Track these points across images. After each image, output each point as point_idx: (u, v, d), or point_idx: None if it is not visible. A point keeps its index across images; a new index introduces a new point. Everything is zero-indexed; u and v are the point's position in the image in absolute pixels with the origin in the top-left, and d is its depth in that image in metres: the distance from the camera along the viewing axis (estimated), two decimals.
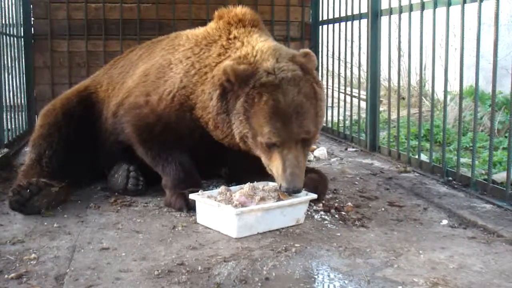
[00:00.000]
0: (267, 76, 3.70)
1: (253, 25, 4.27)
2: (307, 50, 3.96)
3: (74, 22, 7.79)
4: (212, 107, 3.93)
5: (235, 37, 4.16)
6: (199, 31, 4.46)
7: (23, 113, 7.29)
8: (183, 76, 4.16)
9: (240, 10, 4.33)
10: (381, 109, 7.59)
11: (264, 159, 3.82)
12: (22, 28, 7.39)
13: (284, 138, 3.65)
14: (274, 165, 3.72)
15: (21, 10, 7.38)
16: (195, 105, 4.09)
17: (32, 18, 7.70)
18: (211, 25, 4.40)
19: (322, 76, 7.97)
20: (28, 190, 3.93)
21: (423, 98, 7.32)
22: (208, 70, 4.08)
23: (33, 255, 3.21)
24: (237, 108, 3.77)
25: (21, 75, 7.28)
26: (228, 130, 3.92)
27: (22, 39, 7.40)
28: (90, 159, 4.70)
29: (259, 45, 3.96)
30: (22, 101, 7.31)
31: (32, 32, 7.69)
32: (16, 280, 2.89)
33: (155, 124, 4.21)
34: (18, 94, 7.08)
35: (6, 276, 2.93)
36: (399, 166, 5.64)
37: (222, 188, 3.88)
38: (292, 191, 3.65)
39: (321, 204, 4.16)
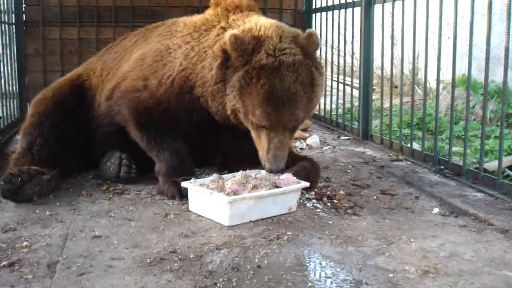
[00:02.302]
0: (267, 57, 3.70)
1: (251, 10, 4.29)
2: (311, 31, 3.94)
3: (66, 9, 7.74)
4: (211, 76, 3.93)
5: (234, 20, 4.17)
6: (197, 18, 4.47)
7: (15, 100, 7.26)
8: (183, 60, 4.17)
9: None
10: (373, 97, 7.58)
11: (253, 135, 3.90)
12: (13, 15, 7.33)
13: (273, 123, 3.72)
14: (261, 145, 3.82)
15: None
16: (194, 84, 4.10)
17: (24, 5, 7.65)
18: (209, 11, 4.41)
19: None
20: (20, 178, 3.92)
21: (415, 86, 7.33)
22: (208, 48, 4.09)
23: (25, 243, 3.21)
24: (233, 82, 3.79)
25: (13, 62, 7.23)
26: (221, 99, 3.92)
27: (14, 26, 7.34)
28: (82, 147, 4.68)
29: (261, 21, 3.97)
30: (14, 89, 7.27)
31: (24, 19, 7.64)
32: (8, 268, 2.89)
33: (154, 108, 4.20)
34: (10, 82, 7.04)
35: None
36: (391, 154, 5.65)
37: (215, 176, 3.88)
38: (275, 171, 3.75)
39: (313, 192, 4.17)
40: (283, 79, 3.68)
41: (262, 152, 3.82)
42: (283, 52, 3.74)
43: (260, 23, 3.93)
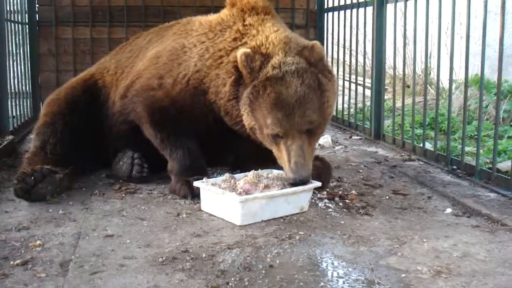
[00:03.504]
0: (273, 70, 3.75)
1: (266, 13, 4.30)
2: (313, 42, 3.97)
3: (79, 9, 7.77)
4: (224, 92, 3.97)
5: (250, 24, 4.18)
6: (213, 17, 4.48)
7: (28, 100, 7.30)
8: (198, 60, 4.18)
9: None
10: (386, 97, 7.57)
11: (274, 152, 3.87)
12: (26, 15, 7.37)
13: (287, 128, 3.69)
14: (281, 157, 3.77)
15: None
16: (208, 89, 4.11)
17: (37, 5, 7.68)
18: (225, 12, 4.42)
19: None
20: (33, 177, 3.94)
21: (428, 86, 7.30)
22: (224, 53, 4.10)
23: (38, 242, 3.23)
24: (244, 99, 3.83)
25: (26, 62, 7.28)
26: (237, 118, 3.97)
27: (27, 25, 7.39)
28: (95, 146, 4.71)
29: (272, 36, 3.99)
30: (27, 88, 7.31)
31: (37, 18, 7.68)
32: (21, 266, 2.91)
33: (169, 107, 4.22)
34: (23, 81, 7.08)
35: (11, 262, 2.95)
36: (403, 154, 5.64)
37: (227, 175, 3.88)
38: (299, 181, 3.67)
39: (325, 192, 4.16)
40: (289, 85, 3.71)
41: (284, 164, 3.76)
42: (287, 64, 3.78)
43: (270, 38, 3.96)
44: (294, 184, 3.69)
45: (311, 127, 3.77)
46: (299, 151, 3.69)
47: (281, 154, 3.77)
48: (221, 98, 4.02)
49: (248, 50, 3.84)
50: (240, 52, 3.83)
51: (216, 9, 4.63)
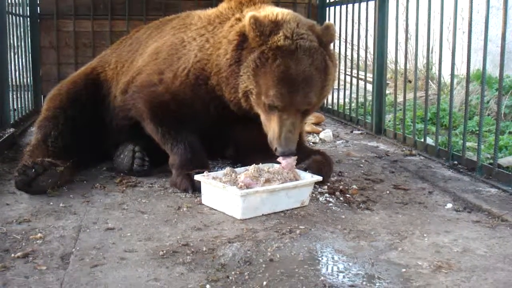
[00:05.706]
0: (285, 40, 3.74)
1: (264, 3, 4.33)
2: (329, 23, 4.03)
3: (80, 2, 7.75)
4: (226, 60, 3.96)
5: (248, 12, 4.18)
6: (211, 11, 4.50)
7: (29, 93, 7.29)
8: (198, 51, 4.20)
9: None
10: (387, 92, 7.56)
11: (263, 118, 3.91)
12: (28, 8, 7.36)
13: (287, 104, 3.73)
14: (271, 127, 3.82)
15: None
16: (210, 74, 4.12)
17: None
18: (223, 5, 4.45)
19: None
20: (33, 170, 3.94)
21: (429, 81, 7.29)
22: (223, 38, 4.11)
23: (39, 235, 3.23)
24: (248, 62, 3.82)
25: (27, 54, 7.27)
26: (234, 80, 3.93)
27: (28, 18, 7.38)
28: (96, 139, 4.71)
29: (277, 10, 4.01)
30: (28, 81, 7.31)
31: (38, 11, 7.66)
32: (22, 259, 2.91)
33: (169, 101, 4.23)
34: (24, 74, 7.08)
35: (12, 255, 2.95)
36: (404, 149, 5.63)
37: (228, 169, 3.88)
38: (287, 154, 3.74)
39: (326, 187, 4.17)
40: (299, 62, 3.72)
41: (272, 135, 3.81)
42: (301, 37, 3.78)
43: (275, 11, 3.97)
44: (283, 155, 3.76)
45: (308, 108, 3.86)
46: (290, 127, 3.76)
47: (271, 123, 3.82)
48: (223, 71, 3.99)
49: (258, 14, 3.85)
50: (249, 15, 3.82)
51: (218, 2, 4.63)
